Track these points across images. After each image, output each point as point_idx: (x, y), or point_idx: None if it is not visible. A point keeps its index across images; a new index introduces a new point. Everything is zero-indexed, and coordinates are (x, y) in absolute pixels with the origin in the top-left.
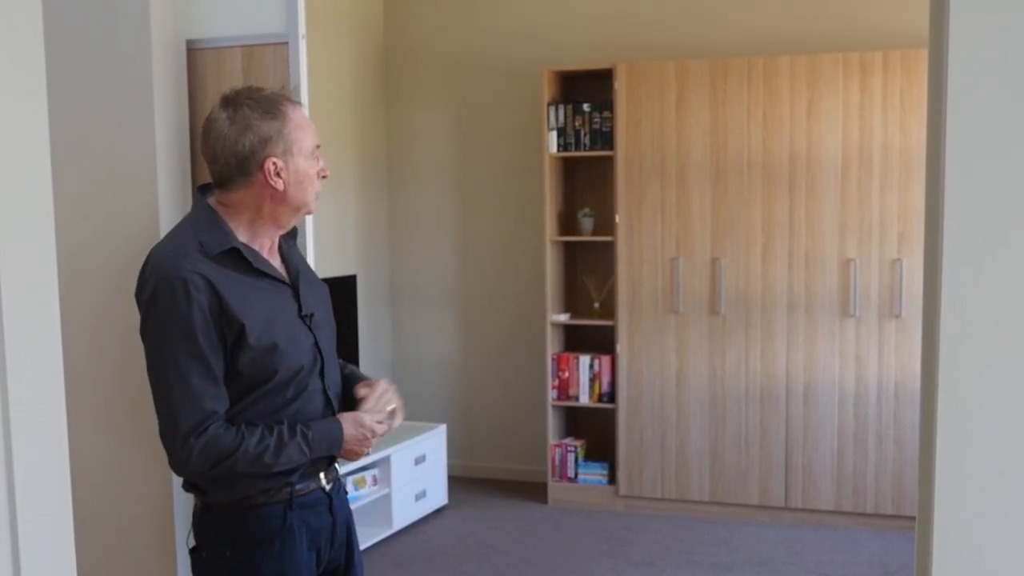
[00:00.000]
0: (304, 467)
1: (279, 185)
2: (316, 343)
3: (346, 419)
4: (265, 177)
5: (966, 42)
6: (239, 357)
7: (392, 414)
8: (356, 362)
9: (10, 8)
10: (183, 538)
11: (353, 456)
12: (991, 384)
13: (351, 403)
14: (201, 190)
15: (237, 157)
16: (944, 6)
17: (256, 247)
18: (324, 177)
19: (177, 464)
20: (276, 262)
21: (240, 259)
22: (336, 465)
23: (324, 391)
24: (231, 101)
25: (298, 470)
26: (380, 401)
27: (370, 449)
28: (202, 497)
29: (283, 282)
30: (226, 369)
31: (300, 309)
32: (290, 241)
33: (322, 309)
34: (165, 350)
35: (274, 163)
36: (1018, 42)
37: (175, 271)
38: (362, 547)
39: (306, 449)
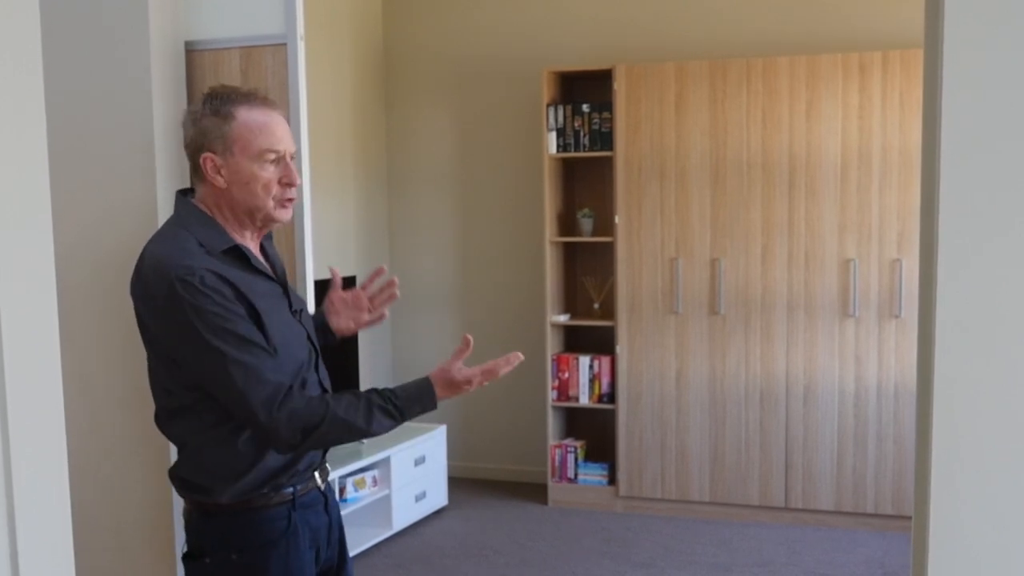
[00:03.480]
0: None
1: (219, 183)
2: (309, 337)
3: (436, 379)
4: (206, 174)
5: (961, 41)
6: None
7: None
8: (356, 363)
9: (8, 8)
10: (182, 541)
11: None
12: (987, 382)
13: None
14: (182, 193)
15: (189, 151)
16: (939, 5)
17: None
18: (288, 184)
19: (271, 440)
20: (263, 261)
21: (240, 257)
22: (327, 465)
23: (320, 383)
24: (203, 97)
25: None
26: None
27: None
28: (204, 498)
29: (275, 280)
30: None
31: (291, 305)
32: (268, 241)
33: (304, 307)
34: (209, 345)
35: (212, 160)
36: (1012, 41)
37: (187, 270)
38: (362, 548)
39: (396, 414)
